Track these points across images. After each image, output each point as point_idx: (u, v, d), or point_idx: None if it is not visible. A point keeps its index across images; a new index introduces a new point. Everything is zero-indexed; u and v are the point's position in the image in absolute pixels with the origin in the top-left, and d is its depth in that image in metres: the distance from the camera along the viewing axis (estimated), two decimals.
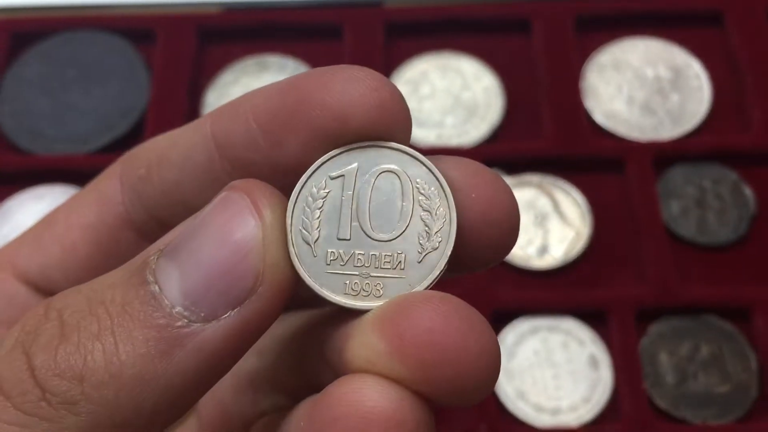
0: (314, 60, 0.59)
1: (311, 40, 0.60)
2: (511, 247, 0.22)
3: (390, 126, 0.21)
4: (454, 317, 0.19)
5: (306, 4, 0.60)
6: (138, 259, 0.21)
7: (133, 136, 0.56)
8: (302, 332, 0.26)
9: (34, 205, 0.54)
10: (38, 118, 0.57)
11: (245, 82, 0.58)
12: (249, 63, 0.59)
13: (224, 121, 0.22)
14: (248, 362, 0.27)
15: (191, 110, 0.57)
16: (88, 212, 0.26)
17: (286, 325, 0.26)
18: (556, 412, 0.47)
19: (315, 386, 0.21)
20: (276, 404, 0.26)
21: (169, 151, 0.24)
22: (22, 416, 0.19)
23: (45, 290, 0.26)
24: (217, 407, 0.27)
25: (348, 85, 0.20)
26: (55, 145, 0.56)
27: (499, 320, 0.49)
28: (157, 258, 0.20)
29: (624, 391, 0.47)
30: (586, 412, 0.47)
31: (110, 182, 0.25)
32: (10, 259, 0.26)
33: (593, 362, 0.48)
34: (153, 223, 0.25)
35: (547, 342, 0.49)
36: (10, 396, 0.19)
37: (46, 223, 0.26)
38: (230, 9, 0.60)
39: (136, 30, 0.59)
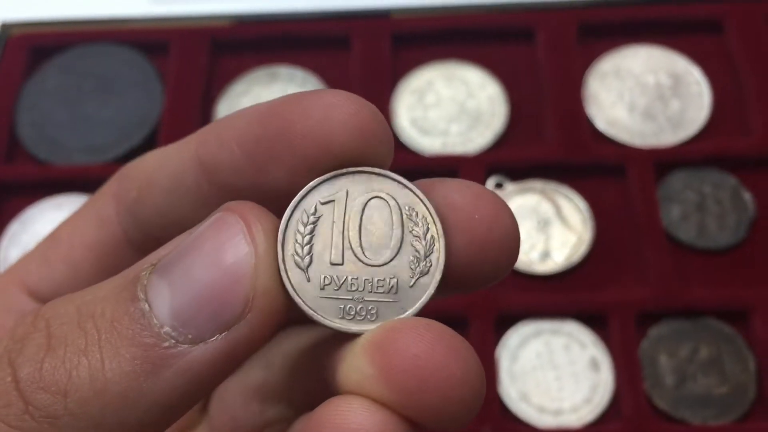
0: (323, 70, 0.60)
1: (320, 50, 0.61)
2: (513, 265, 0.22)
3: (372, 148, 0.21)
4: (439, 344, 0.19)
5: (315, 16, 0.61)
6: (131, 272, 0.20)
7: (149, 146, 0.57)
8: (306, 348, 0.26)
9: (53, 214, 0.55)
10: (57, 129, 0.58)
11: (256, 92, 0.60)
12: (260, 74, 0.60)
13: (210, 147, 0.22)
14: (256, 374, 0.27)
15: (204, 119, 0.58)
16: (88, 232, 0.26)
17: (293, 339, 0.27)
18: (558, 413, 0.49)
19: (316, 401, 0.21)
20: (282, 415, 0.27)
21: (157, 173, 0.24)
22: (5, 428, 0.19)
23: None
24: (227, 415, 0.27)
25: (328, 111, 0.20)
26: (73, 155, 0.57)
27: (503, 323, 0.51)
28: (149, 274, 0.20)
29: (624, 392, 0.48)
30: (588, 413, 0.48)
31: (106, 201, 0.26)
32: (21, 276, 0.26)
33: (594, 364, 0.50)
34: (150, 241, 0.25)
35: (550, 345, 0.50)
36: None
37: (51, 241, 0.26)
38: (241, 21, 0.61)
39: (151, 43, 0.61)
